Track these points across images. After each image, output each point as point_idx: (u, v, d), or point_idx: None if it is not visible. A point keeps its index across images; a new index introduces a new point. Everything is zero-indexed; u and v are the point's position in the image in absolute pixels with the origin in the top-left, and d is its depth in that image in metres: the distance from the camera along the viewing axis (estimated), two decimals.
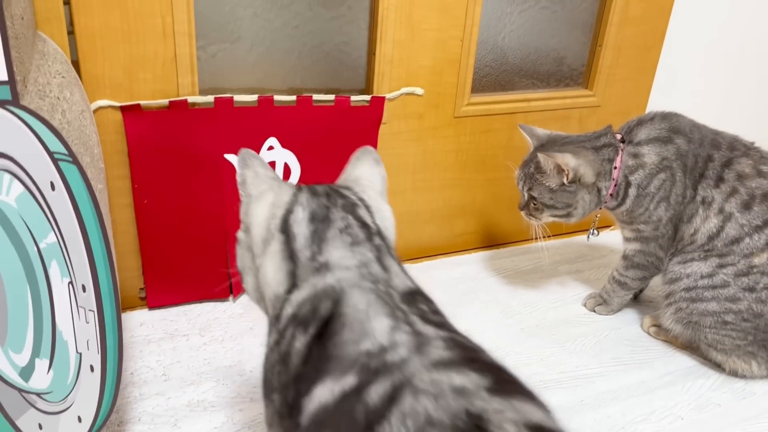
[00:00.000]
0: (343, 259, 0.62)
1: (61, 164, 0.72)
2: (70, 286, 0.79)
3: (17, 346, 0.81)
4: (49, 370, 0.83)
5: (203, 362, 1.15)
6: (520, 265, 1.54)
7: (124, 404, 1.04)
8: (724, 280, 1.15)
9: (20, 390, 0.83)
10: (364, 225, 0.66)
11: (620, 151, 1.22)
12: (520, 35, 1.46)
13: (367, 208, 0.69)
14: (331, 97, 1.28)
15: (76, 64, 1.07)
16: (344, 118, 1.30)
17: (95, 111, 1.10)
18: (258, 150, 1.26)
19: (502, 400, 0.47)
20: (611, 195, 1.24)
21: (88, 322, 0.82)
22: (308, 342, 0.55)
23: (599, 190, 1.22)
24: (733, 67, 1.84)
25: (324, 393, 0.50)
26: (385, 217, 0.71)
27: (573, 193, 1.21)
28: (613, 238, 1.68)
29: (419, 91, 1.36)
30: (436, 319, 0.59)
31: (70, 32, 1.05)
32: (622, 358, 1.24)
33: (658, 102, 1.65)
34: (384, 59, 1.30)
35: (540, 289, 1.45)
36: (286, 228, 0.65)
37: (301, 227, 0.64)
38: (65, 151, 0.71)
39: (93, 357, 0.83)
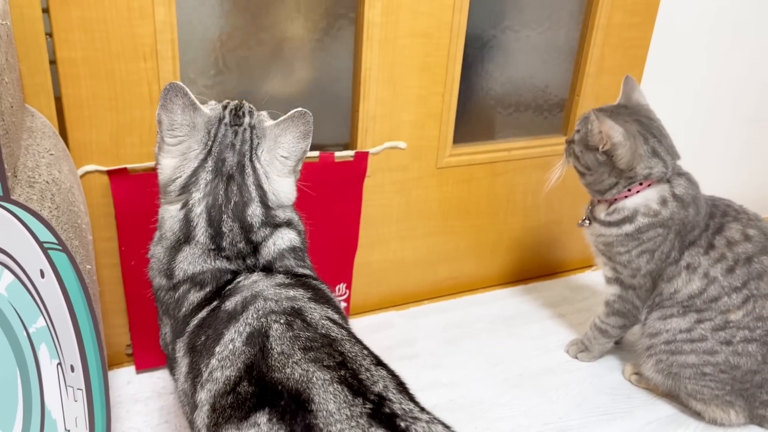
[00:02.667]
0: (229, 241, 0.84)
1: (51, 253, 0.73)
2: (59, 367, 0.80)
3: (6, 426, 0.81)
4: None
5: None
6: (504, 310, 1.57)
7: None
8: (702, 335, 1.18)
9: None
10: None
11: (658, 182, 1.20)
12: (501, 82, 1.50)
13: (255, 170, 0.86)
14: (316, 153, 1.30)
15: (63, 132, 1.08)
16: (329, 173, 1.33)
17: (82, 176, 1.12)
18: None
19: (316, 304, 0.76)
20: (609, 210, 1.23)
21: (76, 401, 0.82)
22: (200, 300, 0.79)
23: (615, 184, 1.21)
24: (708, 115, 1.90)
25: (201, 314, 0.77)
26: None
27: (599, 162, 1.20)
28: (594, 280, 1.71)
29: (402, 144, 1.39)
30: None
31: (57, 97, 1.07)
32: (605, 408, 1.26)
33: None
34: (367, 116, 1.33)
35: (523, 335, 1.48)
36: (186, 205, 0.83)
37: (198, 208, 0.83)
38: (55, 240, 0.73)
39: None
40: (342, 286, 1.43)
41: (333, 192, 1.34)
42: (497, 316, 1.54)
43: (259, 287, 0.78)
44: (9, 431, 0.82)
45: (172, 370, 0.82)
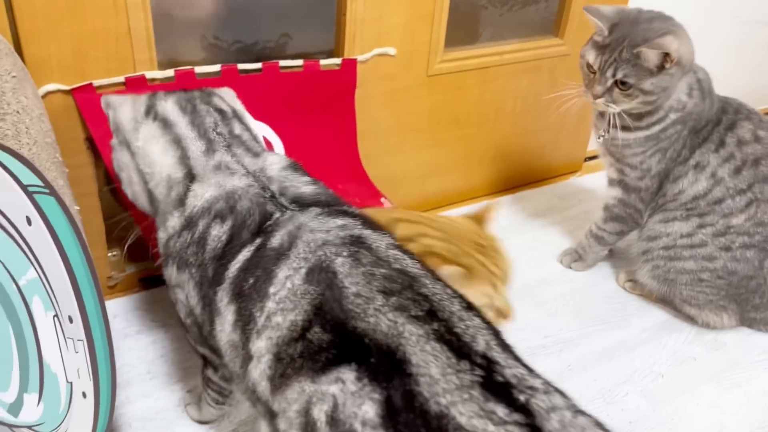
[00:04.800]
0: (234, 164, 0.78)
1: (37, 197, 0.63)
2: (56, 319, 0.72)
3: (2, 385, 0.74)
4: (39, 402, 0.77)
5: (187, 355, 1.10)
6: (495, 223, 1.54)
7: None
8: (703, 240, 1.18)
9: (10, 425, 0.77)
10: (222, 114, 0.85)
11: (689, 74, 1.15)
12: None
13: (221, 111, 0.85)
14: (300, 62, 1.19)
15: (18, 47, 0.94)
16: (316, 84, 1.22)
17: (43, 97, 0.98)
18: None
19: (373, 231, 0.68)
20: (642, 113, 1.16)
21: (77, 352, 0.75)
22: (228, 230, 0.71)
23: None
24: (705, 8, 1.83)
25: (243, 254, 0.69)
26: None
27: (672, 77, 1.11)
28: (581, 186, 1.69)
29: (392, 51, 1.28)
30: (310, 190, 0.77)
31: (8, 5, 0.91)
32: (602, 317, 1.27)
33: None
34: (355, 19, 1.21)
35: (516, 247, 1.45)
36: (156, 116, 0.81)
37: (173, 115, 0.81)
38: (40, 183, 0.63)
39: (85, 384, 0.78)
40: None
41: (324, 104, 1.24)
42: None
43: (300, 220, 0.68)
44: (5, 390, 0.75)
45: (211, 324, 0.72)
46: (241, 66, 1.14)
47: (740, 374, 1.16)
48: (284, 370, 0.61)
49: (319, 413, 0.56)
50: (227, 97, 0.90)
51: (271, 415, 0.64)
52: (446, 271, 0.80)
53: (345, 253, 0.63)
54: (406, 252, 0.66)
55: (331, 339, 0.58)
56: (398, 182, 1.48)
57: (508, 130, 1.58)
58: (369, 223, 0.70)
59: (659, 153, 1.18)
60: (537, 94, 1.55)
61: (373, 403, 0.53)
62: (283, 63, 1.18)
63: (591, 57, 1.14)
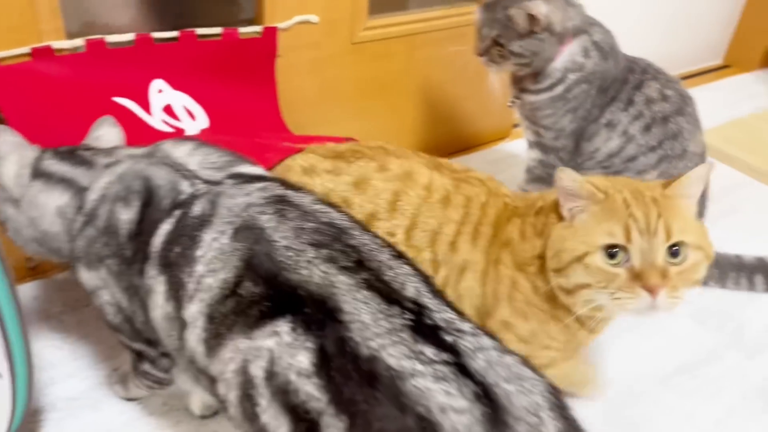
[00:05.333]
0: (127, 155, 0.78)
1: None
2: None
3: None
4: None
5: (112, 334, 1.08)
6: None
7: (35, 392, 0.97)
8: None
9: None
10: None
11: (579, 34, 1.18)
12: None
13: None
14: (218, 30, 1.17)
15: None
16: (236, 53, 1.20)
17: None
18: (145, 95, 1.14)
19: (295, 191, 0.69)
20: (539, 78, 1.20)
21: None
22: (137, 211, 0.70)
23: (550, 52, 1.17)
24: None
25: (164, 227, 0.67)
26: None
27: (542, 41, 1.15)
28: (510, 152, 1.73)
29: (314, 18, 1.27)
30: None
31: None
32: None
33: None
34: None
35: None
36: (41, 174, 0.80)
37: (58, 167, 0.80)
38: None
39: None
40: None
41: (244, 74, 1.22)
42: None
43: (217, 189, 0.69)
44: None
45: (143, 309, 0.71)
46: (156, 35, 1.11)
47: (652, 324, 1.21)
48: (218, 329, 0.60)
49: (257, 369, 0.56)
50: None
51: (212, 382, 0.64)
52: None
53: (270, 211, 0.64)
54: (332, 206, 0.67)
55: (264, 292, 0.58)
56: None
57: (437, 98, 1.59)
58: (288, 185, 0.71)
59: (570, 113, 1.22)
60: (465, 62, 1.55)
61: (308, 352, 0.54)
62: (200, 31, 1.15)
63: (477, 15, 1.19)
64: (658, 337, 1.18)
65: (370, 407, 0.49)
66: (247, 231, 0.62)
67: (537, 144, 1.30)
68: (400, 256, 0.62)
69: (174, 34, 1.13)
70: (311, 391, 0.52)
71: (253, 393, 0.56)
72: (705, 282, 1.30)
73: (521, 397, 0.51)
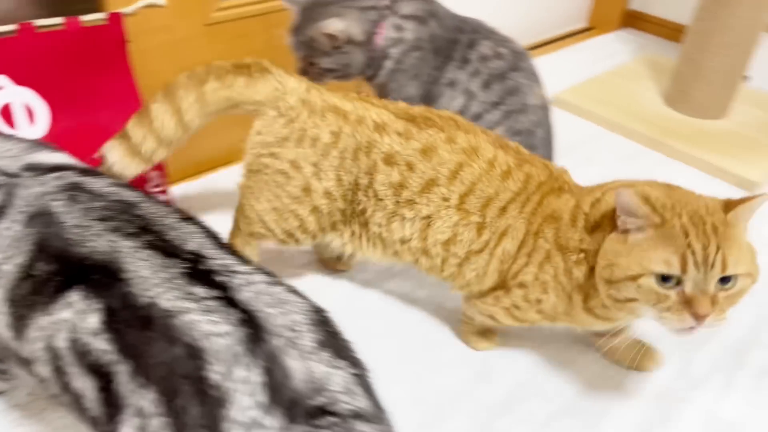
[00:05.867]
0: None
1: None
2: None
3: None
4: None
5: None
6: None
7: None
8: None
9: None
10: None
11: (386, 19, 1.26)
12: None
13: None
14: (59, 20, 1.15)
15: None
16: (82, 42, 1.19)
17: None
18: None
19: (92, 177, 0.73)
20: (370, 63, 1.29)
21: None
22: None
23: (369, 50, 1.27)
24: None
25: None
26: None
27: (348, 53, 1.25)
28: None
29: (161, 1, 1.27)
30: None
31: None
32: None
33: None
34: None
35: None
36: None
37: None
38: None
39: None
40: None
41: (95, 63, 1.21)
42: None
43: (13, 181, 0.71)
44: None
45: None
46: None
47: None
48: (19, 311, 0.64)
49: (60, 341, 0.61)
50: None
51: (29, 365, 0.67)
52: None
53: (62, 197, 0.68)
54: (126, 187, 0.72)
55: (55, 269, 0.63)
56: (200, 136, 1.48)
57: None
58: (86, 171, 0.75)
59: (413, 80, 1.29)
60: None
61: (97, 313, 0.59)
62: (39, 23, 1.14)
63: (287, 39, 1.28)
64: None
65: (148, 346, 0.56)
66: (39, 217, 0.66)
67: None
68: (187, 218, 0.69)
69: (10, 27, 1.11)
70: (103, 347, 0.58)
71: (61, 365, 0.61)
72: None
73: (281, 317, 0.58)
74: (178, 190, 1.46)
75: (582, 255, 0.89)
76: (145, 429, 0.53)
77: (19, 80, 1.15)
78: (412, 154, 0.98)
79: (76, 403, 0.63)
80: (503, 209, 0.95)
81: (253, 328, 0.56)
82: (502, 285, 0.99)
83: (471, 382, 1.07)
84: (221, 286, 0.60)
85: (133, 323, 0.57)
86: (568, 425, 1.01)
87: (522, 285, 0.96)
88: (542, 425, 1.01)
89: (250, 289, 0.60)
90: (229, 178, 1.52)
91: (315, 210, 1.05)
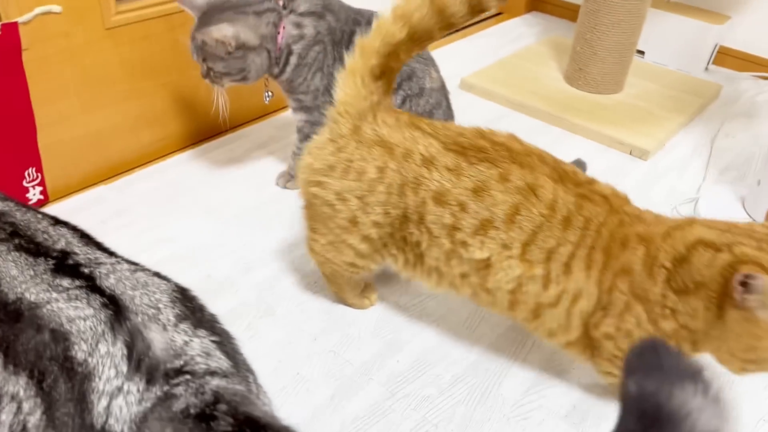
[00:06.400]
0: None
1: None
2: None
3: None
4: None
5: None
6: (216, 161, 1.63)
7: None
8: None
9: None
10: None
11: (284, 19, 1.31)
12: None
13: None
14: None
15: None
16: None
17: None
18: None
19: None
20: (275, 61, 1.34)
21: None
22: None
23: (268, 52, 1.32)
24: None
25: None
26: None
27: (242, 58, 1.29)
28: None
29: (56, 8, 1.28)
30: None
31: None
32: None
33: None
34: None
35: (238, 179, 1.57)
36: None
37: None
38: None
39: None
40: (32, 171, 1.35)
41: None
42: (210, 166, 1.60)
43: None
44: None
45: None
46: None
47: None
48: None
49: None
50: None
51: None
52: None
53: None
54: (1, 199, 0.76)
55: None
56: (108, 139, 1.51)
57: None
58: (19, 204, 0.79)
59: (317, 72, 1.35)
60: None
61: None
62: None
63: (189, 44, 1.31)
64: None
65: (16, 337, 0.60)
66: None
67: (300, 108, 1.42)
68: (59, 222, 0.74)
69: None
70: None
71: None
72: None
73: (144, 297, 0.65)
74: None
75: (668, 311, 0.88)
76: (21, 411, 0.58)
77: None
78: (463, 193, 0.93)
79: None
80: (567, 266, 0.91)
81: (115, 310, 0.62)
82: (586, 335, 0.97)
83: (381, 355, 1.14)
84: (86, 276, 0.65)
85: (3, 318, 0.61)
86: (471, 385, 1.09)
87: (608, 336, 0.93)
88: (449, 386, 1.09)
89: (114, 276, 0.66)
90: (141, 179, 1.54)
91: (366, 238, 1.02)
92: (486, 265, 0.94)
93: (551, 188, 0.91)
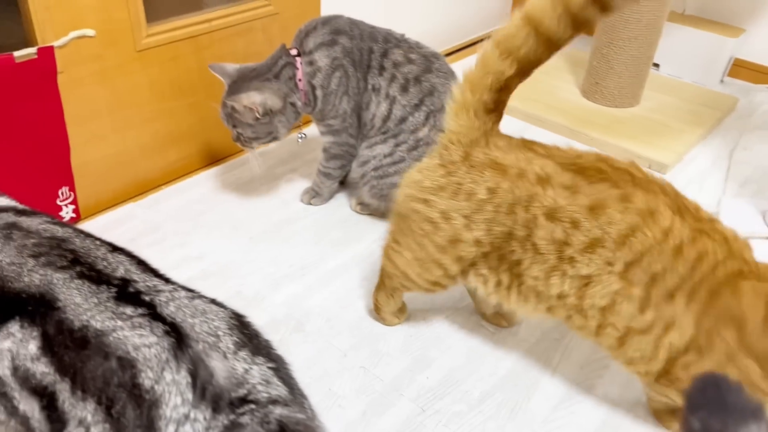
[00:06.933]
0: None
1: None
2: None
3: None
4: None
5: None
6: (241, 177, 1.66)
7: None
8: (401, 156, 1.40)
9: None
10: None
11: (298, 65, 1.36)
12: None
13: None
14: None
15: None
16: (13, 77, 1.23)
17: None
18: None
19: (27, 216, 0.79)
20: (305, 103, 1.39)
21: None
22: None
23: (293, 105, 1.38)
24: None
25: None
26: None
27: (269, 122, 1.36)
28: (317, 132, 1.86)
29: (90, 32, 1.31)
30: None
31: None
32: (338, 238, 1.46)
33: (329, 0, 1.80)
34: (39, 6, 1.23)
35: (263, 195, 1.60)
36: None
37: None
38: None
39: None
40: (65, 190, 1.39)
41: (25, 95, 1.25)
42: (234, 183, 1.63)
43: None
44: None
45: None
46: None
47: None
48: None
49: (3, 370, 0.67)
50: None
51: None
52: None
53: None
54: (59, 224, 0.79)
55: None
56: (136, 158, 1.54)
57: None
58: (22, 211, 0.82)
59: (343, 96, 1.39)
60: (256, 54, 1.67)
61: (35, 340, 0.66)
62: None
63: (220, 114, 1.39)
64: None
65: (84, 363, 0.63)
66: None
67: (329, 132, 1.45)
68: (117, 249, 0.77)
69: None
70: (43, 369, 0.65)
71: (6, 391, 0.68)
72: None
73: (203, 325, 0.67)
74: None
75: None
76: None
77: None
78: (577, 210, 0.91)
79: (24, 425, 0.69)
80: (670, 295, 0.89)
81: (177, 337, 0.65)
82: (671, 370, 0.94)
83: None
84: (148, 304, 0.67)
85: (70, 345, 0.64)
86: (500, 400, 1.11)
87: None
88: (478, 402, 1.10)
89: (174, 304, 0.69)
90: (167, 197, 1.57)
91: (460, 258, 1.02)
92: (587, 282, 0.93)
93: (669, 216, 0.89)
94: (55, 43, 1.27)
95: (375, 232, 1.48)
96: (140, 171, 1.56)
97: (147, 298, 0.68)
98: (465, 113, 0.98)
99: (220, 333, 0.67)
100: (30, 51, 1.24)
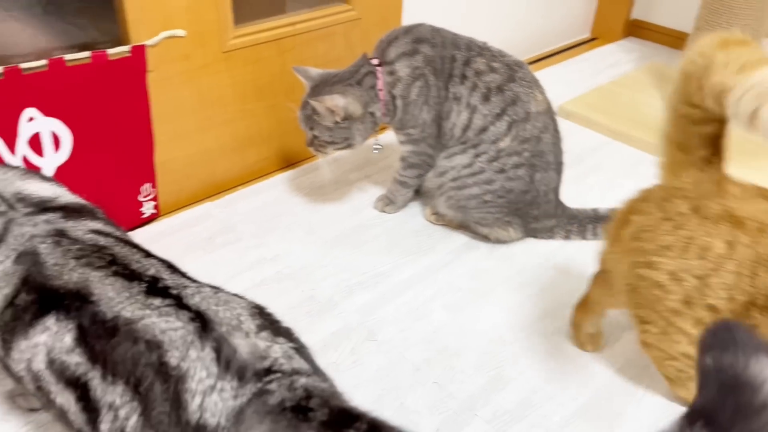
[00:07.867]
0: None
1: None
2: None
3: None
4: None
5: None
6: (316, 181, 1.66)
7: None
8: (481, 167, 1.36)
9: None
10: None
11: (379, 75, 1.35)
12: None
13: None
14: (87, 54, 1.22)
15: None
16: (107, 74, 1.26)
17: None
18: (16, 124, 1.19)
19: (74, 221, 0.83)
20: (384, 114, 1.38)
21: None
22: None
23: (372, 115, 1.36)
24: None
25: None
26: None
27: (348, 128, 1.35)
28: (393, 140, 1.84)
29: (181, 32, 1.34)
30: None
31: None
32: (411, 248, 1.43)
33: (411, 6, 1.78)
34: (134, 5, 1.25)
35: (336, 200, 1.59)
36: None
37: None
38: None
39: None
40: (147, 186, 1.41)
41: (116, 91, 1.28)
42: (310, 187, 1.63)
43: (10, 216, 0.81)
44: None
45: None
46: (24, 65, 1.16)
47: (523, 277, 1.36)
48: (3, 335, 0.75)
49: (38, 364, 0.72)
50: None
51: (19, 381, 0.78)
52: None
53: (49, 241, 0.79)
54: (101, 235, 0.83)
55: (34, 298, 0.74)
56: (216, 157, 1.56)
57: None
58: (70, 216, 0.85)
59: (424, 106, 1.36)
60: (336, 59, 1.67)
61: (70, 332, 0.70)
62: (69, 57, 1.21)
63: (297, 115, 1.39)
64: (528, 287, 1.33)
65: (113, 349, 0.67)
66: (26, 256, 0.77)
67: (409, 141, 1.43)
68: (150, 255, 0.82)
69: (42, 62, 1.18)
70: (77, 360, 0.69)
71: (43, 384, 0.72)
72: (567, 236, 1.46)
73: (226, 312, 0.72)
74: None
75: None
76: (117, 418, 0.65)
77: (48, 112, 1.22)
78: None
79: (62, 416, 0.73)
80: None
81: (202, 322, 0.69)
82: None
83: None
84: (175, 296, 0.72)
85: (102, 334, 0.68)
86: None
87: None
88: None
89: (199, 296, 0.73)
90: (242, 198, 1.58)
91: (699, 322, 0.91)
92: None
93: None
94: (148, 42, 1.29)
95: (449, 244, 1.45)
96: (218, 171, 1.58)
97: (174, 292, 0.73)
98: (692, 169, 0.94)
99: (242, 318, 0.71)
100: (123, 49, 1.27)
